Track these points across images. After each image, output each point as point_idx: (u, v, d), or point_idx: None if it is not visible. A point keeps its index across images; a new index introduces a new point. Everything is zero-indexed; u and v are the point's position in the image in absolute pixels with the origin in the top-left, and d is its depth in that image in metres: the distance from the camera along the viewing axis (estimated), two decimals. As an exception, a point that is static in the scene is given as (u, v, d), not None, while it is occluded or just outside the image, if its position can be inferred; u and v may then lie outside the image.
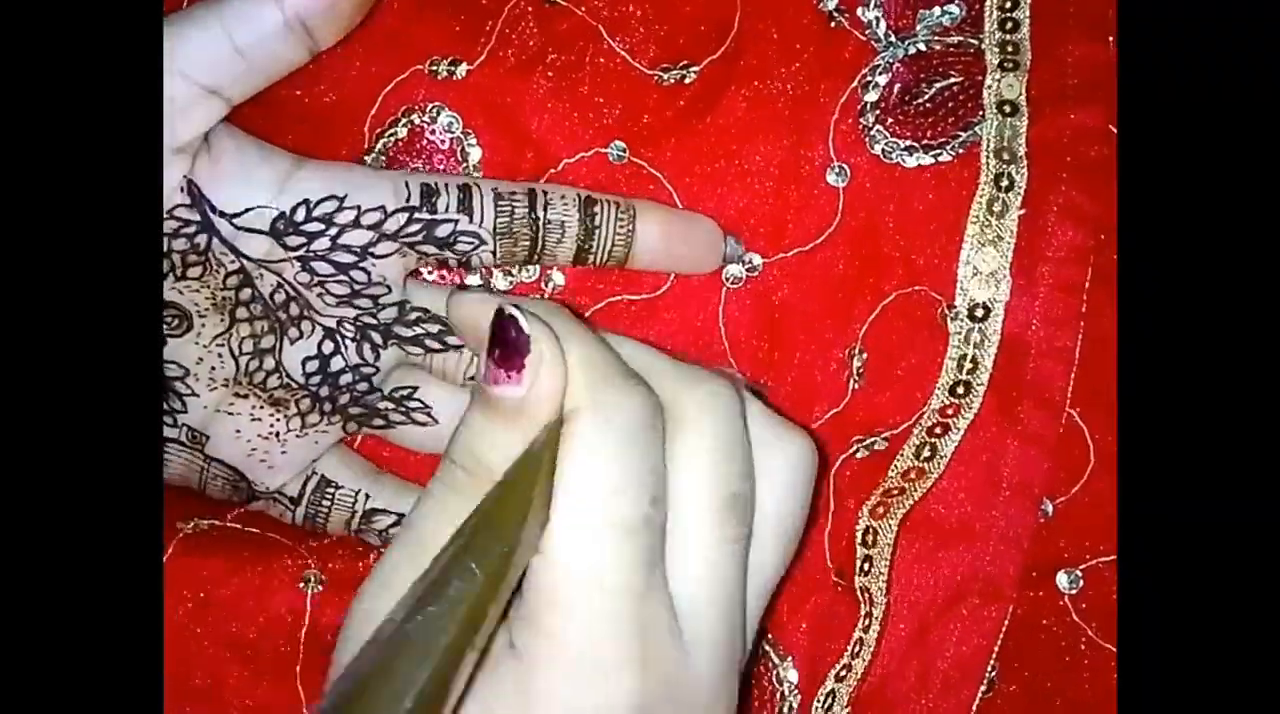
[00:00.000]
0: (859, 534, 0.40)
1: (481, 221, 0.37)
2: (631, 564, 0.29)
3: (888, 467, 0.40)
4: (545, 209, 0.38)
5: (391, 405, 0.39)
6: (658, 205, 0.40)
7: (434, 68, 0.41)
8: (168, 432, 0.38)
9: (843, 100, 0.41)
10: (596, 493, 0.29)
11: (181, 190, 0.36)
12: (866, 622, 0.40)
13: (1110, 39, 0.40)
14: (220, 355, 0.37)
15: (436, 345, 0.38)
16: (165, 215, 0.35)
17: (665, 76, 0.41)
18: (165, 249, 0.36)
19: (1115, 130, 0.40)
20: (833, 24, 0.41)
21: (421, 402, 0.39)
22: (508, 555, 0.28)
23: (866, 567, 0.40)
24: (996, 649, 0.40)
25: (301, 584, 0.40)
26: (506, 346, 0.30)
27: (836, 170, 0.41)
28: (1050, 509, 0.40)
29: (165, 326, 0.37)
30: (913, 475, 0.40)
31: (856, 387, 0.41)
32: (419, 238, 0.37)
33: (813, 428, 0.41)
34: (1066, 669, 0.40)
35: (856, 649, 0.40)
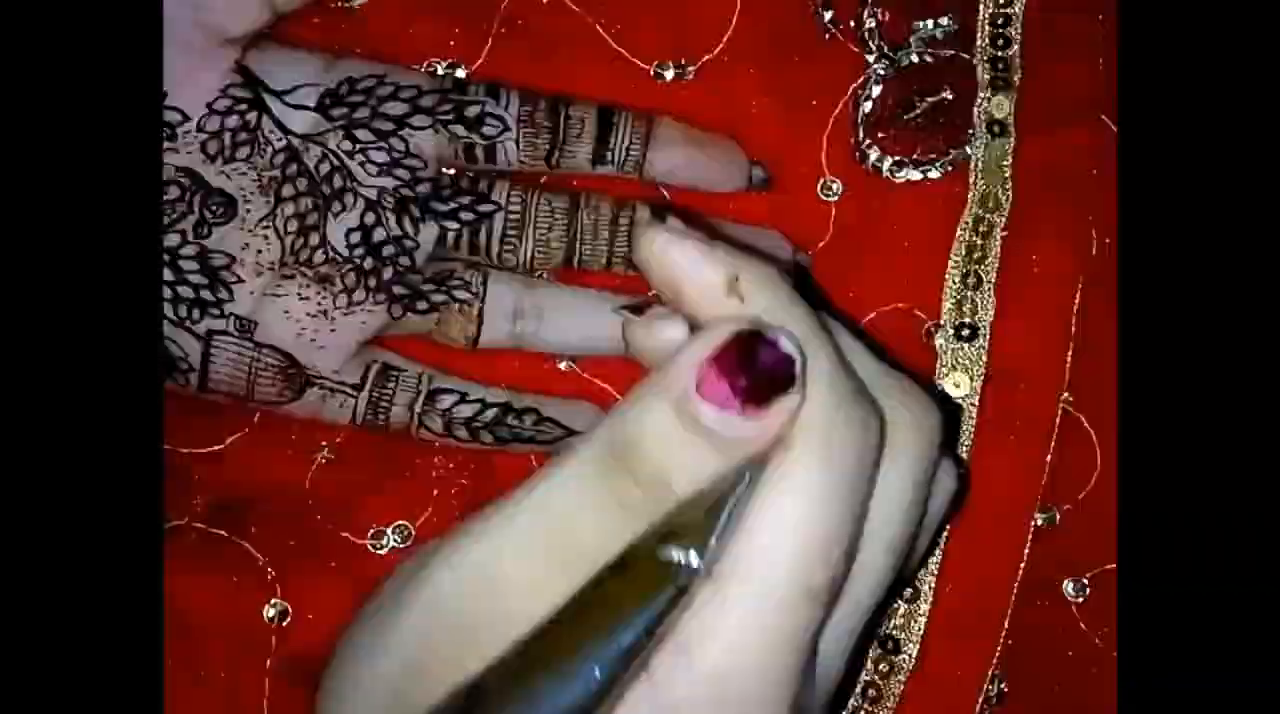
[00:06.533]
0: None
1: (507, 107, 0.40)
2: (807, 626, 0.26)
3: None
4: (567, 106, 0.40)
5: (433, 286, 0.40)
6: (676, 120, 0.41)
7: (432, 68, 0.41)
8: (215, 324, 0.39)
9: (835, 114, 0.41)
10: (798, 552, 0.26)
11: (235, 71, 0.38)
12: (885, 667, 0.40)
13: (1100, 59, 0.40)
14: (266, 237, 0.39)
15: (470, 216, 0.40)
16: (219, 94, 0.38)
17: (665, 74, 0.41)
18: (217, 129, 0.38)
19: (1098, 150, 0.40)
20: (827, 36, 0.41)
21: (462, 279, 0.40)
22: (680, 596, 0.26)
23: (894, 618, 0.40)
24: (985, 685, 0.40)
25: (268, 609, 0.40)
26: (757, 378, 0.25)
27: (828, 184, 0.41)
28: (1057, 516, 0.40)
29: (211, 214, 0.38)
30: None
31: None
32: (450, 116, 0.39)
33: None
34: (1074, 677, 0.40)
35: (875, 695, 0.40)
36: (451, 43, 0.41)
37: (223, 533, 0.40)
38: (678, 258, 0.28)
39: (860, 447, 0.26)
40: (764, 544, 0.26)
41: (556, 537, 0.26)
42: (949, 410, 0.31)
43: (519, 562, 0.26)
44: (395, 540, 0.40)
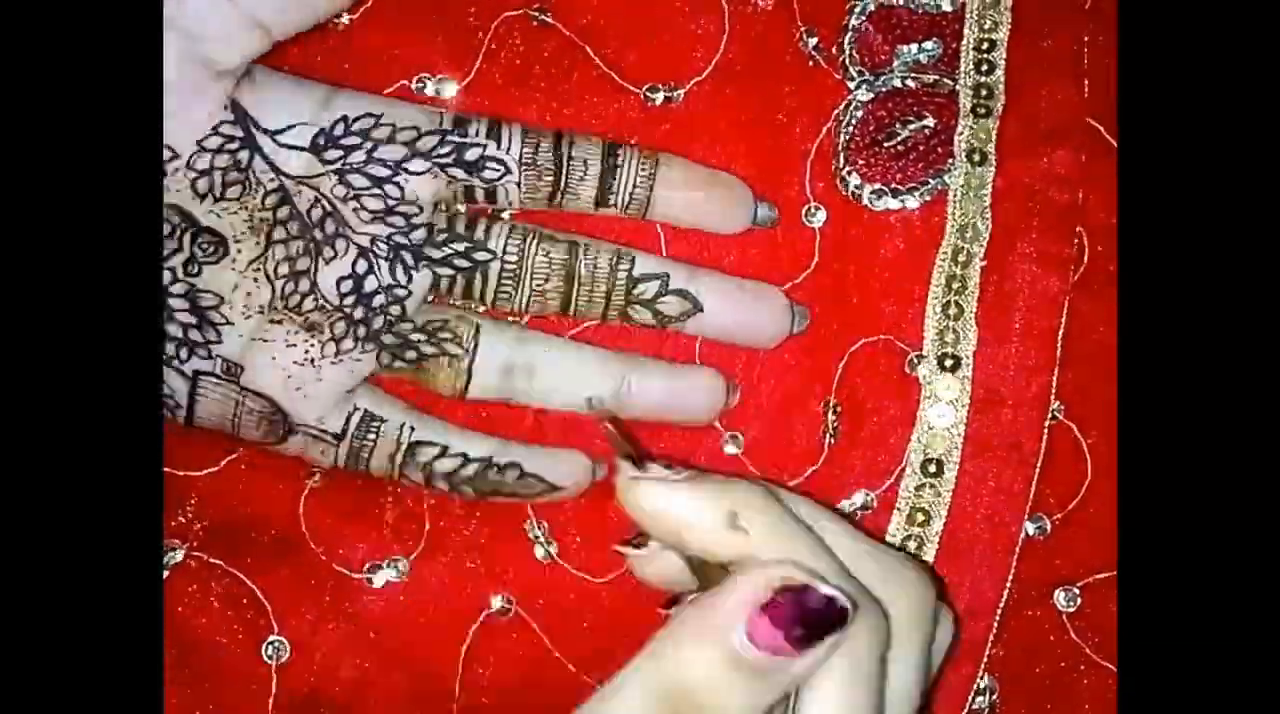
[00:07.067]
0: None
1: (508, 150, 0.39)
2: None
3: (884, 533, 0.40)
4: (570, 146, 0.39)
5: (424, 336, 0.39)
6: (682, 158, 0.41)
7: (420, 85, 0.41)
8: (202, 365, 0.38)
9: (818, 140, 0.41)
10: None
11: (226, 108, 0.37)
12: None
13: (1085, 81, 0.40)
14: (256, 280, 0.38)
15: (465, 263, 0.39)
16: (210, 132, 0.37)
17: (654, 97, 0.41)
18: (207, 167, 0.37)
19: (1081, 173, 0.40)
20: (811, 63, 0.41)
21: (453, 333, 0.39)
22: None
23: None
24: (969, 704, 0.40)
25: (266, 647, 0.40)
26: (811, 625, 0.28)
27: (813, 212, 0.41)
28: (1048, 526, 0.41)
29: (201, 253, 0.38)
30: (912, 547, 0.40)
31: (832, 442, 0.41)
32: (449, 159, 0.39)
33: (793, 485, 0.41)
34: (1066, 688, 0.40)
35: None
36: (440, 61, 0.41)
37: (221, 563, 0.40)
38: (672, 507, 0.31)
39: (873, 639, 0.29)
40: None
41: None
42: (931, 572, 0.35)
43: None
44: (391, 575, 0.41)
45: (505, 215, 0.41)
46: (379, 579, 0.40)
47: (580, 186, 0.39)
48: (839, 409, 0.41)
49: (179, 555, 0.40)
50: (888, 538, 0.40)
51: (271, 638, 0.40)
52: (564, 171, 0.39)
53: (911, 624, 0.31)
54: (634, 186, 0.39)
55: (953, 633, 0.34)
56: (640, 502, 0.31)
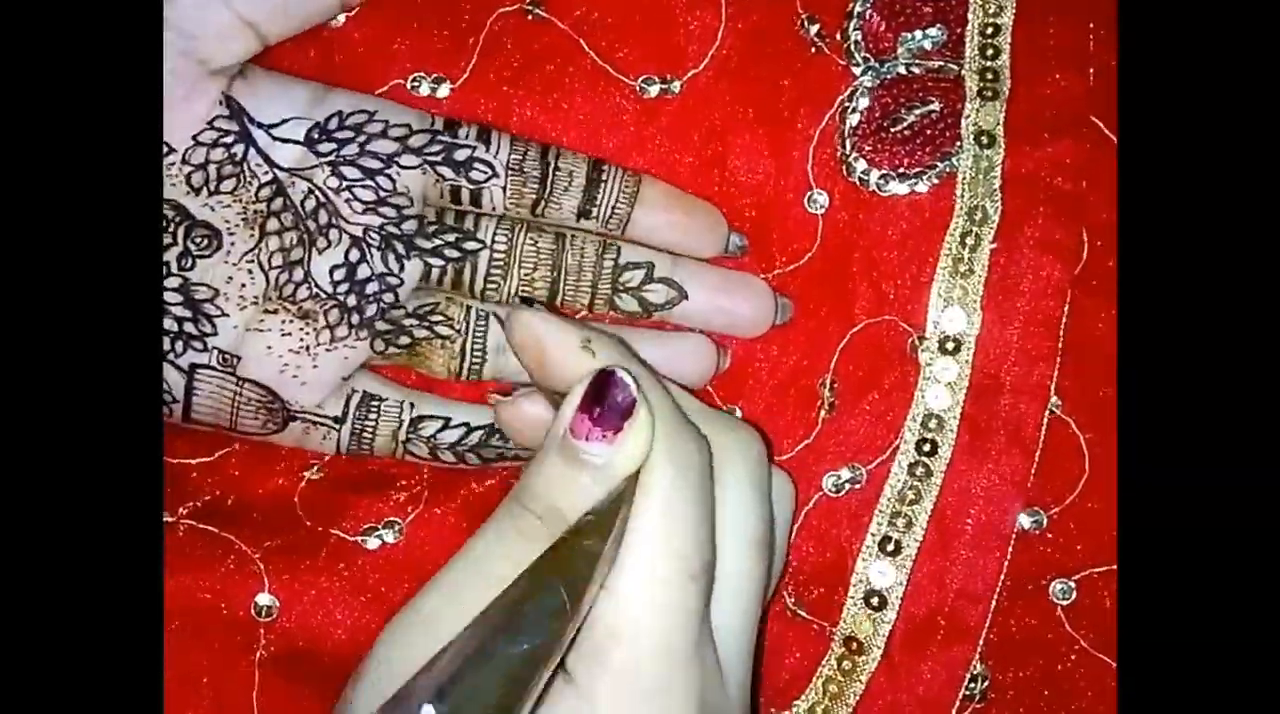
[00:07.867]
0: (863, 595, 0.40)
1: (496, 154, 0.40)
2: (696, 607, 0.31)
3: (872, 508, 0.40)
4: (557, 158, 0.40)
5: (416, 321, 0.40)
6: (665, 182, 0.42)
7: (415, 85, 0.41)
8: (198, 357, 0.39)
9: (822, 127, 0.41)
10: (669, 540, 0.31)
11: (220, 103, 0.38)
12: (848, 665, 0.40)
13: (1090, 70, 0.40)
14: (250, 271, 0.39)
15: (455, 253, 0.40)
16: (205, 127, 0.38)
17: (649, 89, 0.42)
18: (202, 161, 0.38)
19: (1087, 160, 0.40)
20: (813, 50, 0.41)
21: (444, 315, 0.40)
22: (586, 589, 0.30)
23: (860, 622, 0.40)
24: (962, 689, 0.40)
25: (256, 603, 0.40)
26: (607, 407, 0.31)
27: (815, 197, 0.41)
28: (1044, 519, 0.40)
29: (195, 246, 0.38)
30: (901, 525, 0.40)
31: (827, 417, 0.41)
32: (439, 157, 0.39)
33: (783, 460, 0.41)
34: (1060, 680, 0.40)
35: (834, 690, 0.40)
36: (435, 58, 0.41)
37: (212, 529, 0.40)
38: (541, 328, 0.34)
39: (697, 455, 0.32)
40: (641, 540, 0.31)
41: (477, 575, 0.31)
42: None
43: (450, 601, 0.31)
44: (387, 537, 0.41)
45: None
46: (373, 542, 0.41)
47: (564, 197, 0.40)
48: (836, 386, 0.41)
49: (168, 518, 0.40)
50: (876, 513, 0.40)
51: (261, 594, 0.40)
52: (549, 180, 0.40)
53: (739, 454, 0.34)
54: (616, 202, 0.40)
55: (791, 492, 0.38)
56: (517, 328, 0.34)
